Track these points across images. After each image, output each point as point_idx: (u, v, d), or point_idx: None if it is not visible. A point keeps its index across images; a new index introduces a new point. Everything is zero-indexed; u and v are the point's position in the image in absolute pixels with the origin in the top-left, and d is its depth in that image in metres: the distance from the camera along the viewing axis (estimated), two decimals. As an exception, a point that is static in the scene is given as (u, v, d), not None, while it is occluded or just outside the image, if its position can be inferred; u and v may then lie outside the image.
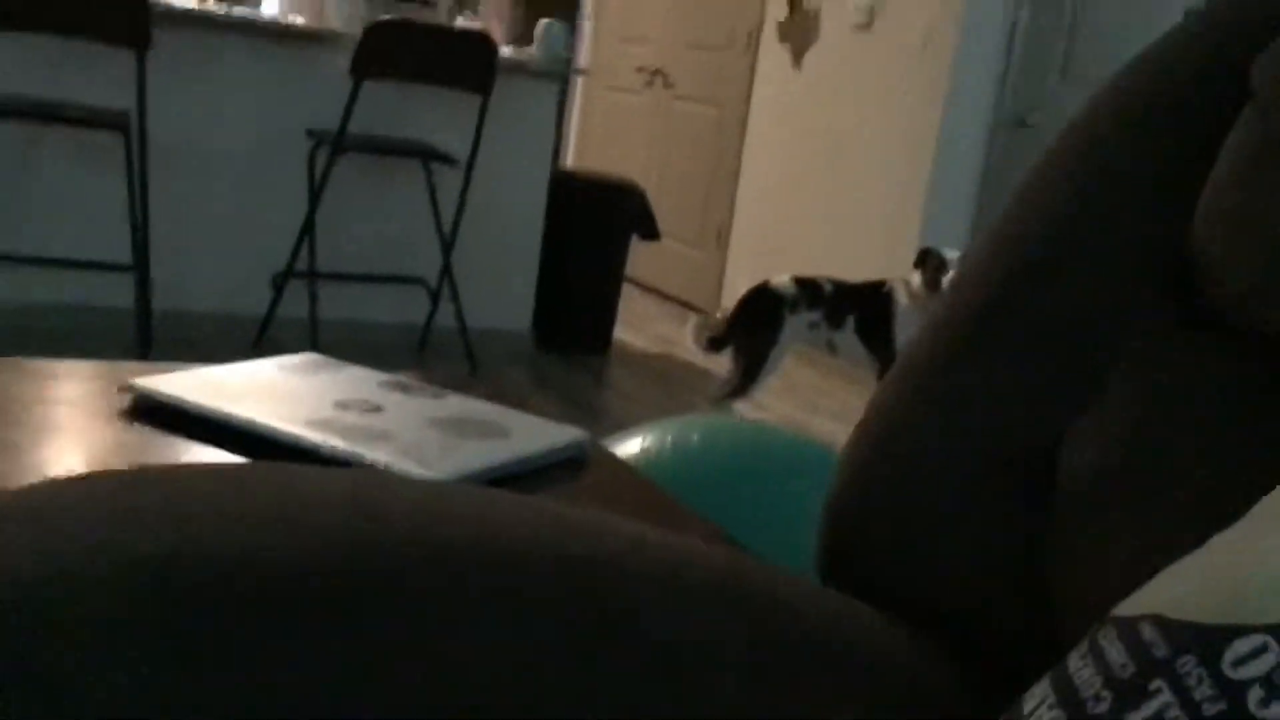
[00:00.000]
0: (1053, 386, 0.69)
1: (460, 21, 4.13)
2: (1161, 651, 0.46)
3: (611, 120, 6.29)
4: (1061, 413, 0.68)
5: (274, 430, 0.92)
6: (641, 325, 4.92)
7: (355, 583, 0.49)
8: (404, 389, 1.09)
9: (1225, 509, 0.58)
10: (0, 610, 0.45)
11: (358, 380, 1.10)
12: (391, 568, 0.49)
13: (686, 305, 5.44)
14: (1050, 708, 0.49)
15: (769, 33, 4.99)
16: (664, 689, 0.55)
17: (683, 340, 4.69)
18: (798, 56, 4.78)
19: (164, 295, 3.58)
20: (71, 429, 0.94)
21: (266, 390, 1.03)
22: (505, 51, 3.68)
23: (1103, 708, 0.46)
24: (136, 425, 0.96)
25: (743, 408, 3.54)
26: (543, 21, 3.84)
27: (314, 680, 0.46)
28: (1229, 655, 0.43)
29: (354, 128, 3.40)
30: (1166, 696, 0.44)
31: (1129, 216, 0.69)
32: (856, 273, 3.49)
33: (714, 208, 5.34)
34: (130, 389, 1.00)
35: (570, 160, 6.56)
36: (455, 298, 3.67)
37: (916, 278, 3.28)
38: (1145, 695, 0.45)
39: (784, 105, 4.88)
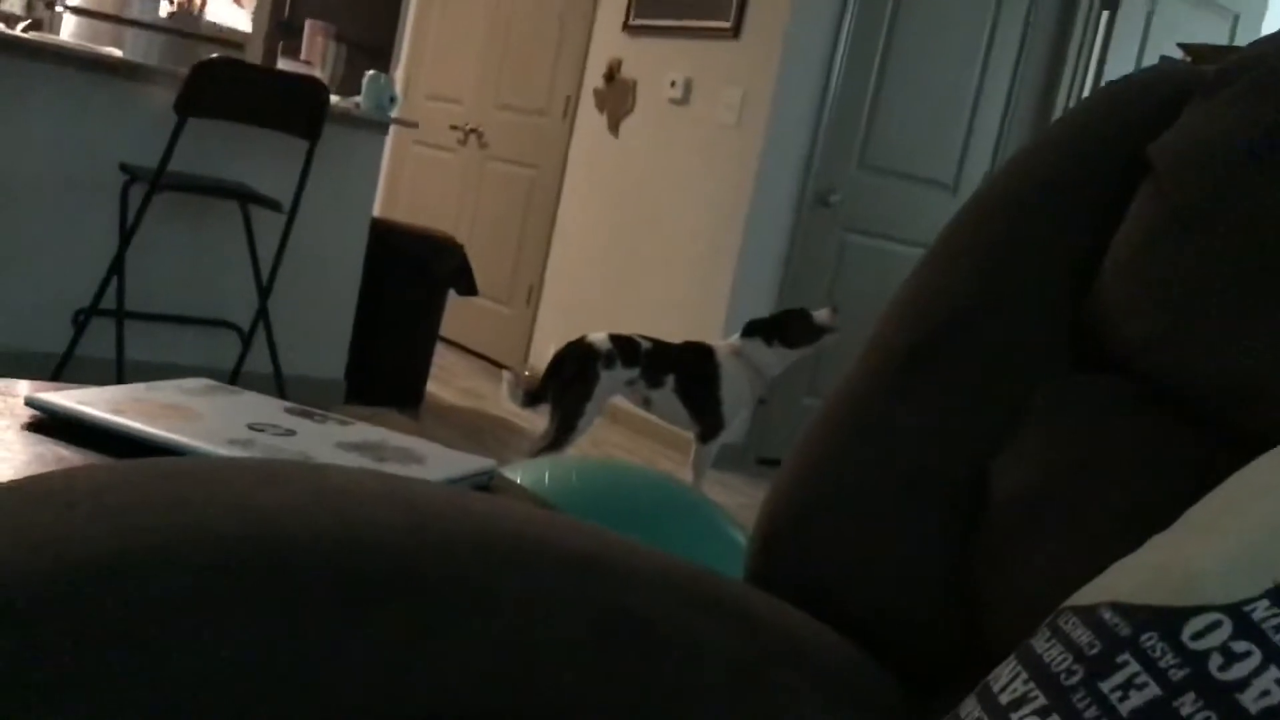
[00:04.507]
0: (973, 421, 0.77)
1: (282, 65, 4.08)
2: (1125, 630, 0.53)
3: (420, 174, 6.30)
4: (982, 445, 0.76)
5: (201, 449, 0.92)
6: (450, 379, 4.92)
7: (422, 567, 0.52)
8: (309, 415, 1.10)
9: (1135, 522, 0.67)
10: (95, 582, 0.46)
11: (261, 405, 1.10)
12: (454, 557, 0.53)
13: (493, 362, 5.47)
14: (1025, 682, 0.56)
15: (586, 100, 5.12)
16: (661, 675, 0.59)
17: (492, 395, 4.72)
18: (614, 125, 4.93)
19: (-48, 327, 3.38)
20: (-21, 441, 0.92)
21: (176, 411, 1.02)
22: (332, 99, 3.66)
23: (1075, 679, 0.53)
24: (47, 439, 0.94)
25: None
26: (370, 73, 3.85)
27: (387, 655, 0.49)
28: (1187, 630, 0.51)
29: (171, 165, 3.32)
30: (1135, 667, 0.52)
31: (1039, 275, 0.79)
32: (665, 338, 3.60)
33: (525, 267, 5.40)
34: (37, 404, 0.98)
35: (376, 211, 6.52)
36: (271, 343, 3.60)
37: (738, 342, 3.46)
38: (1115, 667, 0.52)
39: (600, 170, 5.01)
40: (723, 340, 3.57)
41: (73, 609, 0.45)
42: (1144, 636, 0.52)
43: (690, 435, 3.55)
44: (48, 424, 0.98)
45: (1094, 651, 0.54)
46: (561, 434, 3.40)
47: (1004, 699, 0.56)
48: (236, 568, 0.48)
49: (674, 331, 4.01)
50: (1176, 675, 0.50)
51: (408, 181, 6.41)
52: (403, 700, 0.48)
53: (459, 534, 0.55)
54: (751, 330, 3.50)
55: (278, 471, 0.59)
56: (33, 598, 0.45)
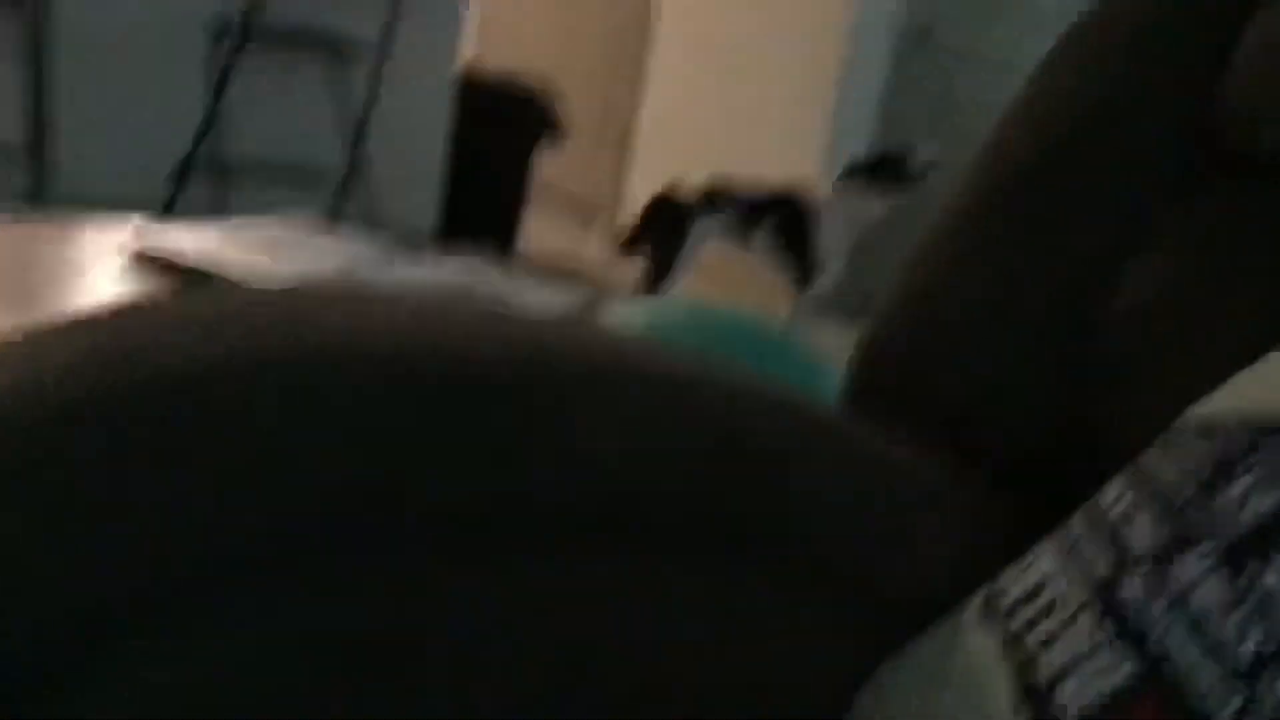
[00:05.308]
0: (1094, 236, 0.74)
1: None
2: (1244, 441, 0.51)
3: (510, 13, 6.20)
4: (1104, 260, 0.73)
5: (301, 281, 0.93)
6: (542, 227, 4.92)
7: (534, 365, 0.52)
8: (405, 254, 1.10)
9: (1260, 335, 0.64)
10: (181, 395, 0.47)
11: (358, 244, 1.11)
12: (572, 360, 0.52)
13: (586, 208, 5.45)
14: (1136, 495, 0.54)
15: (676, -66, 4.96)
16: (785, 498, 0.59)
17: (585, 243, 4.72)
18: (705, -41, 4.77)
19: (57, 183, 3.46)
20: (92, 279, 0.94)
21: (274, 248, 1.03)
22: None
23: (1190, 491, 0.52)
24: (150, 273, 0.96)
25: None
26: (454, -90, 3.76)
27: (498, 447, 0.50)
28: (1308, 439, 0.49)
29: (259, 15, 3.31)
30: (1254, 476, 0.50)
31: (1165, 80, 0.74)
32: (760, 180, 3.54)
33: (616, 107, 5.33)
34: (140, 240, 1.00)
35: (466, 51, 6.46)
36: (363, 191, 3.62)
37: (837, 185, 3.36)
38: (1232, 478, 0.51)
39: (691, 6, 4.88)
40: (819, 182, 3.49)
41: (158, 419, 0.46)
42: (1263, 446, 0.51)
43: (785, 283, 3.50)
44: (150, 259, 0.99)
45: (1210, 463, 0.52)
46: (655, 283, 3.38)
47: (1114, 514, 0.55)
48: (323, 385, 0.48)
49: (769, 172, 3.95)
50: (1297, 484, 0.48)
51: (497, 23, 6.31)
52: (536, 487, 0.49)
53: (567, 350, 0.55)
54: (851, 173, 3.37)
55: (372, 297, 0.59)
56: (122, 407, 0.46)
